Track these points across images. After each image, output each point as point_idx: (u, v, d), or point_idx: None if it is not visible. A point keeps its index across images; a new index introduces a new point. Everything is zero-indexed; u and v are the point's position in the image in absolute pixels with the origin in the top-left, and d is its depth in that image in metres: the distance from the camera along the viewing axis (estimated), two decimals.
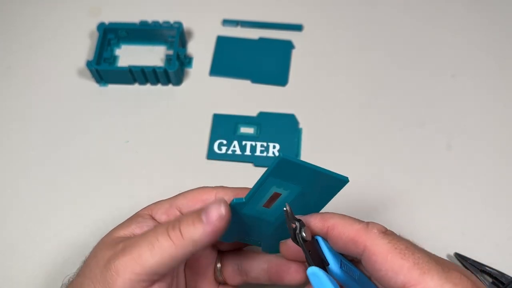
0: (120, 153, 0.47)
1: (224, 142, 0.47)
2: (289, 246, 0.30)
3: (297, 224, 0.28)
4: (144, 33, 0.52)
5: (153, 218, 0.31)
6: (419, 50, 0.53)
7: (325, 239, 0.29)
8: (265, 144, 0.47)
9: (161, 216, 0.30)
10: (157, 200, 0.33)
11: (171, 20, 0.52)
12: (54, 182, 0.46)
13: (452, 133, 0.48)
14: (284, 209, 0.28)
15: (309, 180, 0.28)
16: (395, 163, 0.46)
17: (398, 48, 0.53)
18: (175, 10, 0.56)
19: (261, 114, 0.49)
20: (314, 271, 0.26)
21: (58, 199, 0.45)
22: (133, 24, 0.52)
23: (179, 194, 0.31)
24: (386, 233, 0.26)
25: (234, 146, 0.47)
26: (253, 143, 0.47)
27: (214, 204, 0.27)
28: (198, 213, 0.27)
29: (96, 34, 0.52)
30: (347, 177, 0.28)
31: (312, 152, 0.47)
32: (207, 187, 0.31)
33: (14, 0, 0.57)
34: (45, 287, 0.41)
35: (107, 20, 0.53)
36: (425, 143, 0.47)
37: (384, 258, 0.25)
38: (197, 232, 0.26)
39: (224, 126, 0.48)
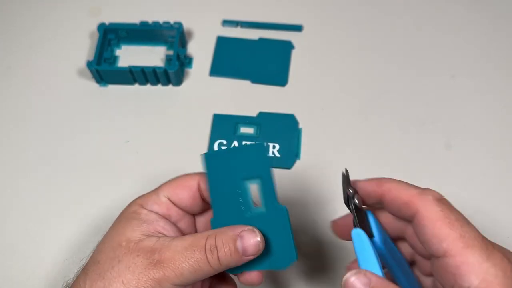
0: (120, 153, 0.47)
1: (224, 142, 0.47)
2: (339, 223, 0.32)
3: (351, 190, 0.29)
4: (144, 33, 0.52)
5: (149, 211, 0.32)
6: (419, 50, 0.53)
7: (374, 215, 0.29)
8: (265, 144, 0.47)
9: (152, 206, 0.32)
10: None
11: (171, 21, 0.52)
12: (54, 182, 0.46)
13: (452, 133, 0.48)
14: (343, 171, 0.29)
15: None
16: (395, 163, 0.46)
17: (398, 48, 0.53)
18: (175, 10, 0.56)
19: (261, 114, 0.49)
20: (358, 232, 0.27)
21: (58, 199, 0.45)
22: (133, 25, 0.52)
23: (163, 184, 0.33)
24: (441, 201, 0.27)
25: (234, 146, 0.47)
26: (253, 143, 0.47)
27: (249, 235, 0.29)
28: (234, 241, 0.29)
29: (96, 34, 0.52)
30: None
31: (312, 152, 0.47)
32: (189, 174, 0.33)
33: (14, 0, 0.57)
34: (45, 287, 0.41)
35: (107, 20, 0.53)
36: (425, 143, 0.47)
37: (433, 224, 0.26)
38: (234, 261, 0.29)
39: (224, 126, 0.48)
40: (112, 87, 0.51)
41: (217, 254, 0.28)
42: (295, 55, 0.53)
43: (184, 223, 0.33)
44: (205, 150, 0.47)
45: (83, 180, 0.46)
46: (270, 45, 0.53)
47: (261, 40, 0.54)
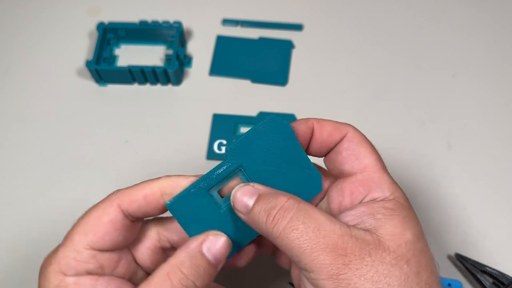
0: (119, 153, 0.47)
1: (224, 142, 0.47)
2: None
3: None
4: (143, 32, 0.52)
5: (77, 276, 0.26)
6: (420, 50, 0.53)
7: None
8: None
9: (77, 267, 0.26)
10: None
11: (171, 20, 0.52)
12: (53, 182, 0.45)
13: (452, 133, 0.48)
14: None
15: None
16: (395, 163, 0.46)
17: (399, 48, 0.53)
18: (175, 9, 0.56)
19: (261, 114, 0.49)
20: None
21: (57, 199, 0.45)
22: (133, 24, 0.52)
23: (72, 231, 0.28)
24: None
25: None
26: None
27: (214, 239, 0.27)
28: (201, 253, 0.26)
29: (95, 34, 0.52)
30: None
31: None
32: (100, 205, 0.28)
33: None
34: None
35: (106, 19, 0.52)
36: (425, 143, 0.47)
37: (360, 143, 0.28)
38: (211, 277, 0.27)
39: (224, 126, 0.48)
40: (111, 87, 0.51)
41: (190, 279, 0.25)
42: (295, 55, 0.53)
43: (123, 265, 0.29)
44: (205, 150, 0.47)
45: (82, 180, 0.46)
46: (271, 44, 0.53)
47: (261, 39, 0.54)
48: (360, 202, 0.27)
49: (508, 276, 0.39)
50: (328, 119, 0.30)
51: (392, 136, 0.48)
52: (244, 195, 0.26)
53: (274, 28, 0.54)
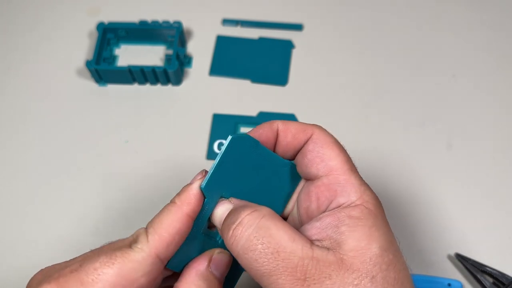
0: (119, 153, 0.47)
1: (224, 142, 0.47)
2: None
3: None
4: (143, 32, 0.52)
5: None
6: (420, 50, 0.53)
7: None
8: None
9: None
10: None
11: (171, 20, 0.52)
12: (53, 182, 0.45)
13: (452, 133, 0.48)
14: None
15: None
16: (395, 163, 0.46)
17: (399, 48, 0.53)
18: (175, 9, 0.56)
19: (261, 114, 0.49)
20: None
21: (57, 199, 0.45)
22: (133, 24, 0.52)
23: (97, 275, 0.24)
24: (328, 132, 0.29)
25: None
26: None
27: (219, 257, 0.27)
28: (212, 274, 0.27)
29: (95, 34, 0.52)
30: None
31: None
32: (130, 253, 0.25)
33: (13, 0, 0.57)
34: None
35: (106, 19, 0.52)
36: (425, 143, 0.47)
37: (327, 144, 0.28)
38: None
39: (224, 126, 0.48)
40: (111, 87, 0.51)
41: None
42: (295, 55, 0.53)
43: None
44: (205, 150, 0.47)
45: (82, 180, 0.46)
46: (270, 44, 0.53)
47: (261, 39, 0.54)
48: (326, 208, 0.27)
49: (508, 276, 0.39)
50: (296, 121, 0.29)
51: (392, 136, 0.48)
52: (219, 211, 0.27)
53: (274, 28, 0.54)
